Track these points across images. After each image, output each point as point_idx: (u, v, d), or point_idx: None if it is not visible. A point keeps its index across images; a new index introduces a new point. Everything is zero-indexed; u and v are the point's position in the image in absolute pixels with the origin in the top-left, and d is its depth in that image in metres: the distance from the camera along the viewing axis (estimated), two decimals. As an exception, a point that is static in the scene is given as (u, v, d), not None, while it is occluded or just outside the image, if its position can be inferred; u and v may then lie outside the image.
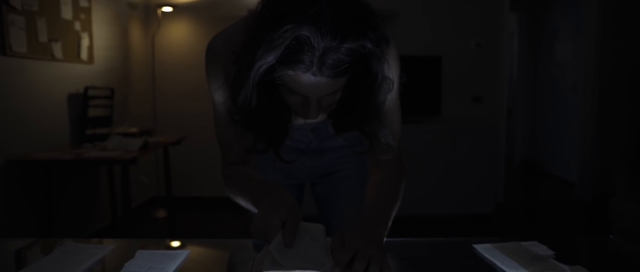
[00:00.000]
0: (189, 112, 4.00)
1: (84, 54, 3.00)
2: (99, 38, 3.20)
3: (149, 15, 3.99)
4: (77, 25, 2.93)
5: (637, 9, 4.06)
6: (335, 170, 1.22)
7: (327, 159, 1.19)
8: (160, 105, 4.03)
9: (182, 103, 4.03)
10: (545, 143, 5.57)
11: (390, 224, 0.89)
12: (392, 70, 0.84)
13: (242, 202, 0.93)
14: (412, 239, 1.11)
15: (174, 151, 3.62)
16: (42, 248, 1.06)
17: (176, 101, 4.04)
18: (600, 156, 4.18)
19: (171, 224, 3.41)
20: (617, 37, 4.08)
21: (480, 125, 3.94)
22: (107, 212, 3.27)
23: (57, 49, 2.72)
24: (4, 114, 2.35)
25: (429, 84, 3.89)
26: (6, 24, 2.30)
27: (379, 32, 0.73)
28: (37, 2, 2.53)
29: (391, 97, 0.91)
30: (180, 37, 4.00)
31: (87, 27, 3.05)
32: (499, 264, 0.88)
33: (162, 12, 3.87)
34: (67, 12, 2.81)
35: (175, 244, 1.08)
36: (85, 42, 3.01)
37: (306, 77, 0.72)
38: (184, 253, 0.93)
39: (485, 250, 0.95)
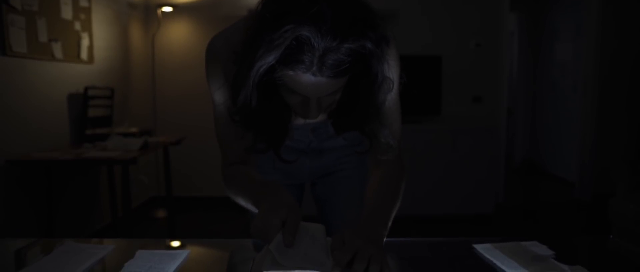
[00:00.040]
0: (189, 112, 4.00)
1: (84, 54, 3.00)
2: (99, 38, 3.20)
3: (149, 15, 3.99)
4: (77, 25, 2.93)
5: (637, 9, 4.06)
6: (335, 170, 1.22)
7: (327, 159, 1.19)
8: (160, 105, 4.03)
9: (182, 103, 4.03)
10: (545, 143, 5.57)
11: (390, 224, 0.89)
12: (392, 70, 0.85)
13: (242, 202, 0.93)
14: (412, 239, 1.11)
15: (174, 151, 3.62)
16: (42, 248, 1.06)
17: (176, 101, 4.04)
18: (600, 156, 4.18)
19: (171, 224, 3.41)
20: (617, 37, 4.08)
21: (480, 125, 3.94)
22: (107, 212, 3.27)
23: (57, 49, 2.72)
24: (4, 114, 2.35)
25: (429, 84, 3.89)
26: (6, 24, 2.30)
27: (379, 32, 0.73)
28: (37, 2, 2.53)
29: (391, 97, 0.91)
30: (180, 37, 4.00)
31: (87, 27, 3.05)
32: (499, 264, 0.88)
33: (162, 12, 3.87)
34: (67, 12, 2.81)
35: (175, 244, 1.08)
36: (85, 42, 3.01)
37: (306, 77, 0.72)
38: (184, 253, 0.93)
39: (485, 250, 0.95)
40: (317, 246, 0.75)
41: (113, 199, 3.20)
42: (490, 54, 4.03)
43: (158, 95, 4.01)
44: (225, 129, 0.97)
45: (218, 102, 0.94)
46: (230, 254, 1.01)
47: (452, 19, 4.01)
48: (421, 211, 3.57)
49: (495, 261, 0.89)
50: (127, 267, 0.85)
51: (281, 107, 0.85)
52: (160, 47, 3.99)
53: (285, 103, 0.83)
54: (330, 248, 0.75)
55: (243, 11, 3.79)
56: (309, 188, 1.30)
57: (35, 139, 2.58)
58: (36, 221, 2.57)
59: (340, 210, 1.24)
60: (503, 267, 0.86)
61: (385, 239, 0.85)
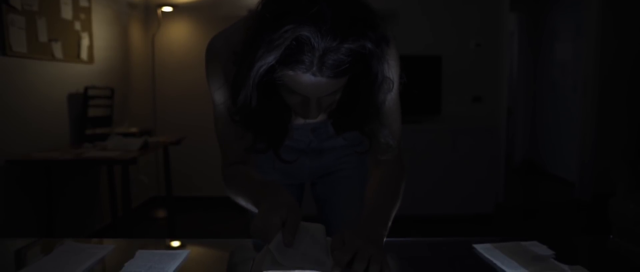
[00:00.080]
0: (189, 112, 4.00)
1: (84, 54, 3.00)
2: (99, 38, 3.20)
3: (149, 15, 3.99)
4: (77, 25, 2.93)
5: (637, 9, 4.06)
6: (335, 170, 1.22)
7: (327, 159, 1.19)
8: (160, 105, 4.03)
9: (182, 103, 4.03)
10: (545, 143, 5.57)
11: (390, 224, 0.89)
12: (392, 70, 0.85)
13: (242, 202, 0.93)
14: (412, 239, 1.11)
15: (174, 151, 3.62)
16: (42, 248, 1.06)
17: (176, 101, 4.04)
18: (600, 156, 4.18)
19: (171, 224, 3.41)
20: (617, 37, 4.08)
21: (480, 125, 3.94)
22: (107, 212, 3.27)
23: (57, 49, 2.72)
24: (4, 114, 2.35)
25: (429, 84, 3.89)
26: (6, 24, 2.30)
27: (379, 32, 0.73)
28: (37, 2, 2.53)
29: (391, 97, 0.91)
30: (180, 37, 4.00)
31: (87, 27, 3.05)
32: (499, 264, 0.88)
33: (162, 12, 3.87)
34: (67, 12, 2.81)
35: (175, 244, 1.08)
36: (85, 42, 3.01)
37: (306, 77, 0.72)
38: (184, 253, 0.93)
39: (485, 250, 0.95)
40: (317, 246, 0.75)
41: (113, 199, 3.20)
42: (490, 54, 4.03)
43: (158, 95, 4.01)
44: (225, 129, 0.97)
45: (218, 102, 0.94)
46: (230, 254, 1.01)
47: (452, 19, 4.01)
48: (421, 211, 3.57)
49: (495, 261, 0.89)
50: (127, 267, 0.85)
51: (281, 107, 0.85)
52: (160, 47, 3.99)
53: (285, 103, 0.83)
54: (330, 248, 0.75)
55: (243, 11, 3.79)
56: (309, 188, 1.30)
57: (35, 139, 2.58)
58: (36, 221, 2.57)
59: (340, 210, 1.24)
60: (503, 267, 0.86)
61: (385, 239, 0.85)
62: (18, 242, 1.11)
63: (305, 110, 0.80)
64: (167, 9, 3.81)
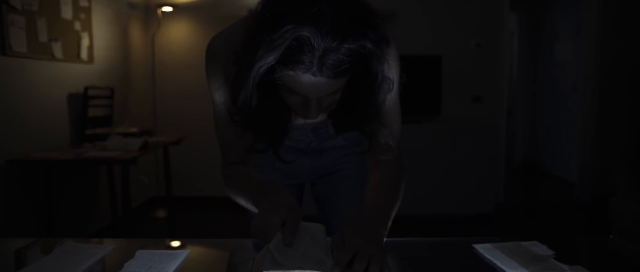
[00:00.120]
0: (189, 112, 4.00)
1: (84, 54, 3.00)
2: (99, 38, 3.21)
3: (149, 15, 3.99)
4: (77, 25, 2.93)
5: (637, 9, 4.06)
6: (335, 170, 1.22)
7: (327, 159, 1.19)
8: (160, 105, 4.03)
9: (182, 103, 4.03)
10: (545, 143, 5.57)
11: (390, 224, 0.89)
12: (392, 70, 0.85)
13: (242, 202, 0.93)
14: (412, 239, 1.11)
15: (174, 151, 3.62)
16: (42, 248, 1.06)
17: (176, 101, 4.04)
18: (600, 156, 4.18)
19: (171, 224, 3.41)
20: (617, 37, 4.08)
21: (480, 125, 3.94)
22: (107, 212, 3.27)
23: (57, 49, 2.72)
24: (4, 114, 2.35)
25: (429, 84, 3.89)
26: (6, 24, 2.30)
27: (379, 32, 0.73)
28: (37, 2, 2.53)
29: (391, 97, 0.91)
30: (180, 37, 4.00)
31: (87, 27, 3.05)
32: (499, 264, 0.88)
33: (162, 12, 3.87)
34: (67, 12, 2.81)
35: (175, 244, 1.08)
36: (85, 42, 3.01)
37: (306, 78, 0.72)
38: (184, 253, 0.93)
39: (485, 250, 0.95)
40: (316, 246, 0.75)
41: (113, 199, 3.20)
42: (490, 54, 4.03)
43: (158, 95, 4.01)
44: (225, 129, 0.97)
45: (218, 102, 0.94)
46: (230, 254, 1.01)
47: (452, 19, 4.01)
48: (421, 211, 3.57)
49: (495, 261, 0.89)
50: (127, 267, 0.85)
51: (281, 107, 0.85)
52: (160, 47, 3.99)
53: (285, 103, 0.83)
54: (330, 248, 0.75)
55: (243, 11, 3.79)
56: (309, 188, 1.30)
57: (35, 139, 2.58)
58: (36, 221, 2.57)
59: (340, 210, 1.24)
60: (503, 267, 0.86)
61: (385, 239, 0.85)
62: (18, 242, 1.11)
63: (305, 111, 0.80)
64: (167, 9, 3.81)
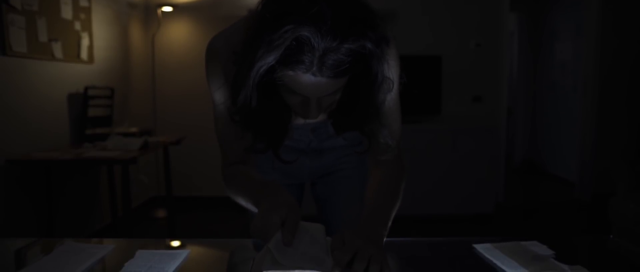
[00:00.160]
0: (189, 112, 4.00)
1: (84, 54, 3.00)
2: (99, 38, 3.21)
3: (149, 15, 3.99)
4: (77, 25, 2.93)
5: (637, 8, 4.06)
6: (335, 170, 1.22)
7: (327, 159, 1.19)
8: (160, 105, 4.03)
9: (182, 103, 4.03)
10: (545, 143, 5.57)
11: (390, 224, 0.89)
12: (392, 70, 0.85)
13: (242, 202, 0.93)
14: (412, 239, 1.11)
15: (174, 151, 3.62)
16: (42, 248, 1.06)
17: (176, 101, 4.04)
18: (600, 156, 4.18)
19: (171, 224, 3.41)
20: (617, 37, 4.08)
21: (480, 125, 3.94)
22: (107, 212, 3.27)
23: (57, 49, 2.72)
24: (4, 114, 2.35)
25: (429, 84, 3.89)
26: (6, 24, 2.30)
27: (379, 32, 0.73)
28: (37, 2, 2.53)
29: (391, 97, 0.91)
30: (180, 37, 4.00)
31: (87, 27, 3.05)
32: (499, 264, 0.88)
33: (162, 12, 3.87)
34: (67, 12, 2.81)
35: (175, 244, 1.08)
36: (85, 42, 3.01)
37: (306, 78, 0.72)
38: (184, 253, 0.93)
39: (485, 250, 0.95)
40: (316, 246, 0.75)
41: (113, 199, 3.20)
42: (490, 54, 4.03)
43: (158, 95, 4.02)
44: (225, 129, 0.97)
45: (218, 102, 0.94)
46: (230, 254, 1.01)
47: (452, 19, 4.01)
48: (421, 211, 3.57)
49: (495, 261, 0.89)
50: (127, 267, 0.85)
51: (281, 107, 0.85)
52: (160, 47, 3.99)
53: (285, 103, 0.83)
54: (330, 248, 0.75)
55: (243, 11, 3.79)
56: (309, 188, 1.30)
57: (35, 139, 2.58)
58: (36, 221, 2.57)
59: (340, 210, 1.24)
60: (503, 267, 0.86)
61: (385, 239, 0.85)
62: (18, 242, 1.11)
63: (305, 111, 0.80)
64: (167, 9, 3.81)
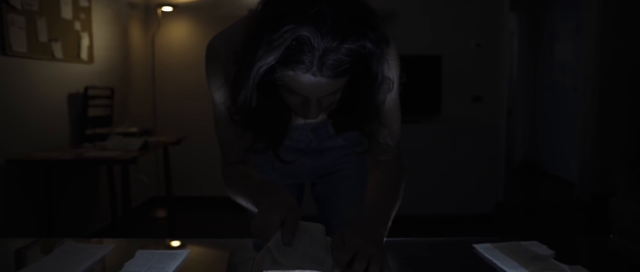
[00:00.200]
0: (189, 112, 4.00)
1: (84, 54, 3.00)
2: (99, 38, 3.21)
3: (149, 15, 3.99)
4: (77, 25, 2.93)
5: (637, 8, 4.06)
6: (335, 170, 1.22)
7: (327, 159, 1.19)
8: (160, 105, 4.03)
9: (182, 103, 4.03)
10: (545, 143, 5.57)
11: (390, 224, 0.89)
12: (392, 70, 0.85)
13: (242, 202, 0.93)
14: (412, 239, 1.11)
15: (174, 151, 3.62)
16: (42, 248, 1.06)
17: (176, 101, 4.04)
18: (600, 156, 4.18)
19: (171, 224, 3.41)
20: (617, 37, 4.08)
21: (480, 125, 3.94)
22: (107, 212, 3.27)
23: (57, 49, 2.72)
24: (4, 114, 2.35)
25: (429, 84, 3.89)
26: (6, 24, 2.30)
27: (379, 32, 0.73)
28: (37, 2, 2.53)
29: (391, 97, 0.91)
30: (180, 37, 4.00)
31: (87, 27, 3.05)
32: (499, 263, 0.88)
33: (162, 12, 3.87)
34: (67, 12, 2.81)
35: (175, 244, 1.08)
36: (85, 42, 3.01)
37: (306, 78, 0.72)
38: (184, 253, 0.93)
39: (485, 250, 0.95)
40: (316, 245, 0.75)
41: (113, 199, 3.20)
42: (490, 54, 4.03)
43: (158, 95, 4.01)
44: (225, 129, 0.97)
45: (218, 102, 0.94)
46: (230, 254, 1.01)
47: (452, 19, 4.01)
48: (421, 211, 3.57)
49: (495, 261, 0.89)
50: (127, 267, 0.85)
51: (281, 107, 0.85)
52: (160, 47, 3.99)
53: (285, 103, 0.83)
54: (330, 248, 0.75)
55: (243, 11, 3.79)
56: (309, 188, 1.30)
57: (35, 139, 2.58)
58: (36, 221, 2.57)
59: (340, 210, 1.24)
60: (503, 267, 0.86)
61: (385, 239, 0.85)
62: (18, 242, 1.11)
63: (305, 111, 0.80)
64: (167, 9, 3.81)
